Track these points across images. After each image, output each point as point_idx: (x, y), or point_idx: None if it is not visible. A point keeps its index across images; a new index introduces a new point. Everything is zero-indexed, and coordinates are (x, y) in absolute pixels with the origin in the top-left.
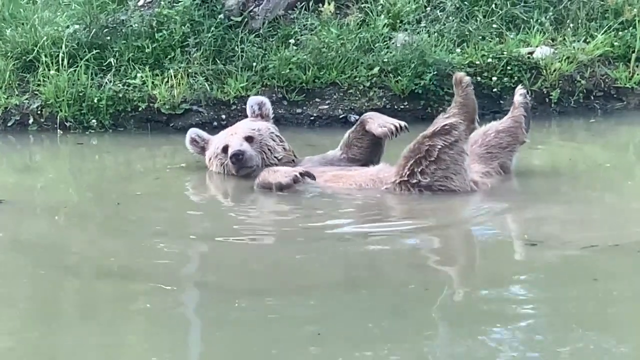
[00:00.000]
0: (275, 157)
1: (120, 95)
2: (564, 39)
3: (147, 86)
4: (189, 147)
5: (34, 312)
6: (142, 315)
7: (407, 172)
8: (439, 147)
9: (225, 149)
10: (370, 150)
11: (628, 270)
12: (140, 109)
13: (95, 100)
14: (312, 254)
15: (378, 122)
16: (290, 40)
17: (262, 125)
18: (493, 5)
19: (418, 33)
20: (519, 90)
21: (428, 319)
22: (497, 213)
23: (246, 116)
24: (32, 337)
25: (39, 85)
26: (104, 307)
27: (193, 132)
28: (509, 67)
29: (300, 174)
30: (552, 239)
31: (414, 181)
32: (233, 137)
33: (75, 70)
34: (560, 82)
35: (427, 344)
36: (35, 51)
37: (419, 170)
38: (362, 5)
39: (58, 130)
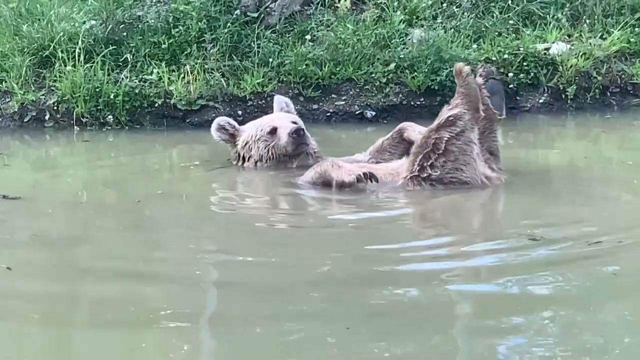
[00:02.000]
0: (313, 149)
1: (137, 91)
2: (581, 35)
3: (163, 82)
4: (216, 134)
5: (49, 311)
6: (157, 315)
7: (417, 167)
8: (446, 139)
9: (273, 131)
10: (401, 158)
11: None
12: (156, 104)
13: (112, 96)
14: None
15: (418, 130)
16: (306, 36)
17: (297, 118)
18: (509, 1)
19: (434, 29)
20: (478, 71)
21: (431, 315)
22: (505, 209)
23: (262, 112)
24: (46, 336)
25: (55, 81)
26: (119, 307)
27: (222, 119)
28: (525, 63)
29: (364, 174)
30: (556, 235)
31: (425, 175)
32: (279, 120)
33: (91, 66)
34: (577, 78)
35: (430, 341)
36: (52, 47)
37: (429, 164)
38: (379, 1)
39: (74, 127)
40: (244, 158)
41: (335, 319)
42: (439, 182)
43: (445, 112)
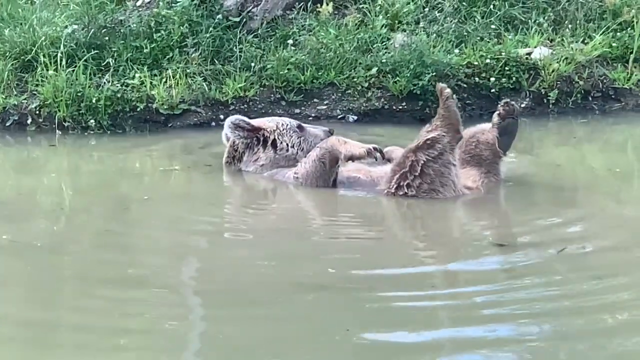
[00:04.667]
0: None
1: (119, 95)
2: (562, 39)
3: (145, 86)
4: (233, 134)
5: (30, 318)
6: (139, 320)
7: (395, 185)
8: (422, 161)
9: (300, 127)
10: None
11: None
12: (138, 109)
13: (94, 101)
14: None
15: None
16: (288, 41)
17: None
18: (491, 6)
19: (416, 34)
20: (499, 108)
21: (400, 320)
22: (480, 217)
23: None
24: (28, 342)
25: (37, 85)
26: (101, 313)
27: (235, 118)
28: (507, 68)
29: (374, 148)
30: (527, 241)
31: (401, 193)
32: (295, 120)
33: (73, 71)
34: (559, 82)
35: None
36: (34, 51)
37: (405, 184)
38: (361, 6)
39: (56, 131)
40: (273, 143)
41: (320, 323)
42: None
43: (424, 134)
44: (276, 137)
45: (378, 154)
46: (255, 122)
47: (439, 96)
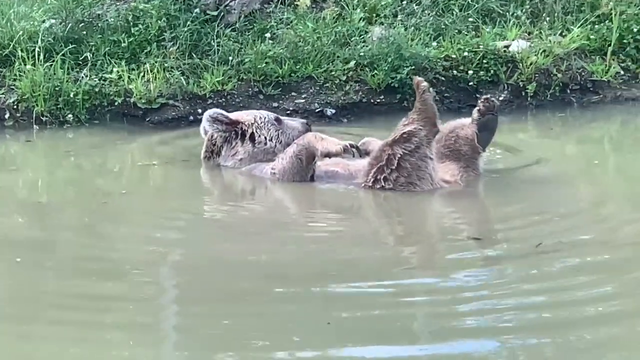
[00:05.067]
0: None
1: (97, 89)
2: (540, 32)
3: (123, 80)
4: (211, 127)
5: (8, 312)
6: (118, 314)
7: (372, 179)
8: (399, 155)
9: (278, 120)
10: None
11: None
12: (116, 103)
13: (72, 95)
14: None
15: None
16: (266, 34)
17: None
18: None
19: (394, 27)
20: (479, 104)
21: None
22: (457, 210)
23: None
24: (8, 337)
25: (15, 80)
26: (81, 307)
27: (213, 111)
28: (485, 61)
29: (350, 144)
30: (504, 235)
31: (378, 187)
32: (273, 113)
33: (51, 65)
34: (537, 75)
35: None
36: (11, 46)
37: (382, 177)
38: None
39: (34, 125)
40: (251, 137)
41: (296, 317)
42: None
43: (401, 128)
44: (254, 131)
45: (355, 151)
46: (234, 115)
47: (415, 89)
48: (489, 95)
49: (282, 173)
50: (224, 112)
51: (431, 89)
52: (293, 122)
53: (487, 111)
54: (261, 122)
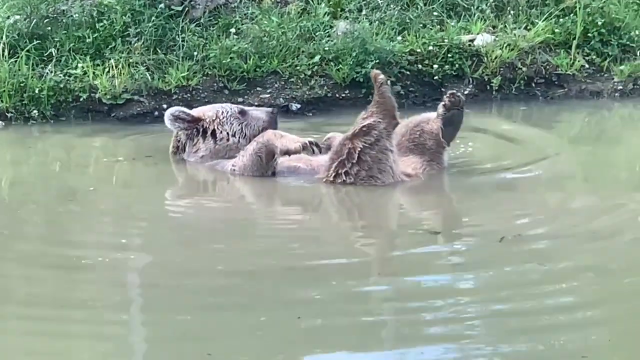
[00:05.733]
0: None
1: (62, 85)
2: (505, 26)
3: (88, 76)
4: (173, 125)
5: None
6: (85, 310)
7: (333, 174)
8: (359, 148)
9: (243, 112)
10: None
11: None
12: (81, 99)
13: (37, 91)
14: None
15: None
16: (231, 30)
17: None
18: None
19: (359, 21)
20: (444, 99)
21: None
22: (419, 205)
23: (187, 106)
24: None
25: None
26: (47, 304)
27: (174, 110)
28: (450, 55)
29: (309, 142)
30: (464, 229)
31: (339, 181)
32: (237, 105)
33: (15, 61)
34: (502, 69)
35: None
36: None
37: (343, 171)
38: None
39: None
40: (213, 133)
41: (254, 311)
42: (355, 185)
43: (360, 121)
44: (216, 127)
45: (315, 148)
46: (196, 111)
47: (373, 82)
48: (454, 90)
49: (243, 170)
50: (185, 109)
51: (397, 83)
52: (258, 112)
53: (453, 106)
54: (223, 118)
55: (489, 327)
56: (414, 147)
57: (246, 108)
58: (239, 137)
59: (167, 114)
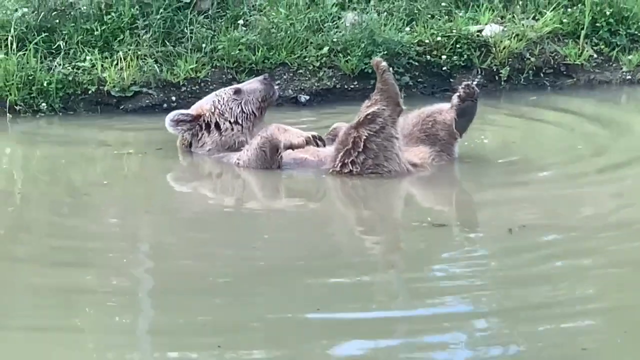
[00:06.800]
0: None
1: (70, 78)
2: (513, 16)
3: (96, 69)
4: (175, 130)
5: None
6: (91, 304)
7: (339, 164)
8: (365, 136)
9: (237, 91)
10: None
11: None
12: (90, 91)
13: (45, 84)
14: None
15: None
16: (239, 21)
17: None
18: None
19: (367, 12)
20: (459, 90)
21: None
22: (422, 196)
23: (196, 98)
24: None
25: None
26: (55, 297)
27: (172, 115)
28: (458, 46)
29: (313, 136)
30: (469, 221)
31: (346, 171)
32: (231, 86)
33: (24, 54)
34: (510, 59)
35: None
36: None
37: (350, 161)
38: None
39: (7, 114)
40: (217, 125)
41: (263, 303)
42: (362, 176)
43: (364, 110)
44: (217, 119)
45: (319, 142)
46: (194, 108)
47: (375, 70)
48: (470, 82)
49: (247, 164)
50: (182, 111)
51: (405, 74)
52: (252, 84)
53: (468, 97)
54: (221, 106)
55: (499, 320)
56: (425, 137)
57: (240, 85)
58: (242, 120)
59: (167, 121)
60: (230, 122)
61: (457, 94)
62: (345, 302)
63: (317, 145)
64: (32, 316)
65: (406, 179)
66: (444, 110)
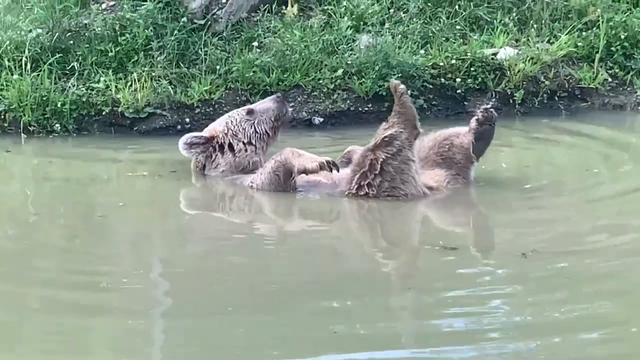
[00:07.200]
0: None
1: (84, 99)
2: (528, 39)
3: (110, 90)
4: (189, 153)
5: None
6: (106, 328)
7: (355, 186)
8: (382, 159)
9: (250, 112)
10: None
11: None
12: (104, 112)
13: (59, 105)
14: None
15: None
16: (253, 43)
17: None
18: (456, 7)
19: (382, 35)
20: (477, 113)
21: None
22: (438, 219)
23: (210, 120)
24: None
25: (1, 89)
26: (67, 321)
27: (185, 138)
28: (472, 69)
29: (327, 161)
30: (481, 245)
31: (362, 193)
32: (244, 107)
33: (38, 75)
34: (524, 82)
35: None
36: None
37: (366, 183)
38: (326, 7)
39: (22, 135)
40: (230, 146)
41: (277, 323)
42: (378, 198)
43: (381, 132)
44: (230, 140)
45: (333, 167)
46: (207, 131)
47: (393, 93)
48: (488, 105)
49: (261, 187)
50: (196, 133)
51: (420, 97)
52: (265, 104)
53: (486, 121)
54: (234, 127)
55: (511, 343)
56: (441, 160)
57: (252, 105)
58: (255, 140)
59: (181, 145)
60: (243, 142)
61: (476, 117)
62: (360, 323)
63: (331, 171)
64: (46, 340)
65: (422, 202)
66: (461, 133)
